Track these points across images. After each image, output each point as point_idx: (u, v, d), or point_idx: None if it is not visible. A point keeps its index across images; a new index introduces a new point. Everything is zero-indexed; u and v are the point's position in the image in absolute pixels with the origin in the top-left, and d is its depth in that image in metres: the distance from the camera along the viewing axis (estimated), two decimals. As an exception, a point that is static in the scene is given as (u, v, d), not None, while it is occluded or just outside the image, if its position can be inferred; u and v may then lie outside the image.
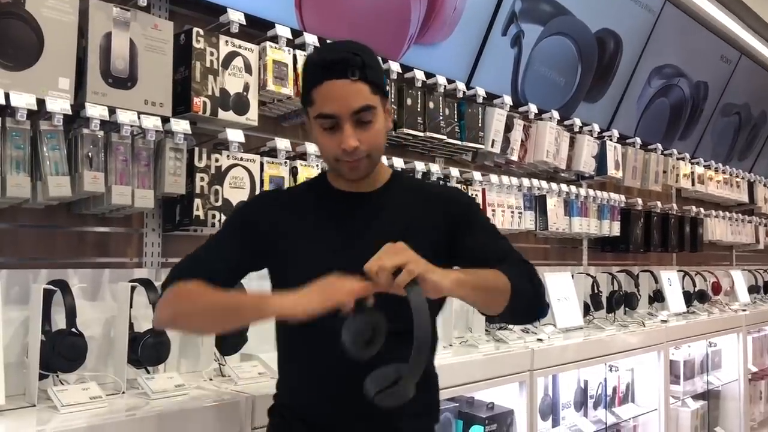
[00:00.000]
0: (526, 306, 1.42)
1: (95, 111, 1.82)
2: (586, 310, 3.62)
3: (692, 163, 4.98)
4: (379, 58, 1.44)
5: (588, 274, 3.74)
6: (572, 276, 3.54)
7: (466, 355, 2.59)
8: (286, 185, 2.28)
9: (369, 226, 1.45)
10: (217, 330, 1.46)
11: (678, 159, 4.77)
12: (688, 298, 4.49)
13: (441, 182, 2.82)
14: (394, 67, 2.66)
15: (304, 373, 1.49)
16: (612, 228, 3.99)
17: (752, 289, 5.46)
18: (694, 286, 4.63)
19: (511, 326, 3.03)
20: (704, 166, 5.13)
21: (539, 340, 2.97)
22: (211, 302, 1.37)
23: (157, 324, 1.50)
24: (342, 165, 1.41)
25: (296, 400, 1.52)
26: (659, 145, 4.56)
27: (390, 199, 1.51)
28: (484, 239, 1.49)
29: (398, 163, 2.67)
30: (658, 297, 4.27)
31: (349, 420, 1.43)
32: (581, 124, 3.78)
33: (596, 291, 3.70)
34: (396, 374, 1.18)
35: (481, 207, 1.61)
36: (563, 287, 3.42)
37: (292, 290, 1.26)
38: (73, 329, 1.76)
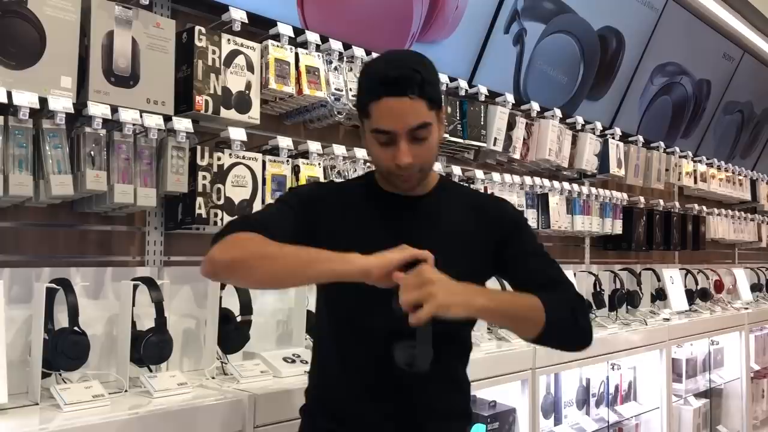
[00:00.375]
0: (563, 336, 1.42)
1: (97, 110, 1.82)
2: (589, 309, 3.61)
3: (695, 161, 4.98)
4: (437, 71, 1.43)
5: (590, 273, 3.74)
6: (574, 274, 3.54)
7: (469, 353, 2.59)
8: (288, 184, 2.28)
9: (415, 231, 1.44)
10: (279, 281, 1.38)
11: (680, 157, 4.77)
12: (691, 296, 4.49)
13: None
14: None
15: (341, 369, 1.50)
16: (614, 226, 3.98)
17: (754, 288, 5.45)
18: (697, 284, 4.62)
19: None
20: (706, 164, 5.13)
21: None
22: (281, 250, 1.30)
23: (207, 270, 1.33)
24: (394, 177, 1.43)
25: (329, 395, 1.53)
26: (662, 143, 4.56)
27: (437, 205, 1.50)
28: (529, 261, 1.49)
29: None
30: (660, 295, 4.27)
31: (380, 420, 1.44)
32: (583, 122, 3.78)
33: (598, 289, 3.69)
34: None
35: (528, 222, 1.59)
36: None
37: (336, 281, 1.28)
38: (76, 328, 1.76)
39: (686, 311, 4.31)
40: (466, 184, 2.92)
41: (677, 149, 4.74)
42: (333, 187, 1.67)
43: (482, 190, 3.07)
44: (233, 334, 2.09)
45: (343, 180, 2.43)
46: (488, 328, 2.97)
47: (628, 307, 3.90)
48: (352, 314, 1.45)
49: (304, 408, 1.59)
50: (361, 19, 2.68)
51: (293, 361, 2.15)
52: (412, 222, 1.48)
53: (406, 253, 1.24)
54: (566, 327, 1.40)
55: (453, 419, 1.53)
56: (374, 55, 2.56)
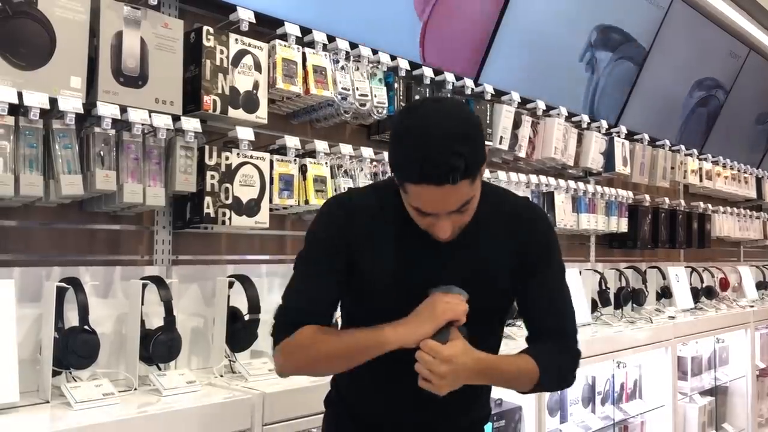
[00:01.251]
0: (548, 387, 1.58)
1: (107, 110, 1.83)
2: (594, 307, 3.62)
3: (700, 159, 4.97)
4: (480, 129, 1.32)
5: (595, 271, 3.74)
6: (580, 273, 3.55)
7: (475, 351, 2.59)
8: (296, 183, 2.29)
9: (455, 252, 1.40)
10: (342, 370, 1.45)
11: (686, 155, 4.76)
12: (696, 294, 4.48)
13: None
14: (403, 64, 2.66)
15: (367, 372, 1.46)
16: (620, 224, 3.98)
17: (760, 285, 5.44)
18: (702, 282, 4.62)
19: (518, 323, 3.03)
20: (712, 161, 5.12)
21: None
22: (333, 349, 1.37)
23: (281, 373, 1.44)
24: (430, 233, 1.36)
25: (350, 391, 1.55)
26: (667, 141, 4.55)
27: (477, 224, 1.40)
28: (544, 300, 1.49)
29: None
30: (665, 293, 4.27)
31: (398, 417, 1.47)
32: (589, 120, 3.78)
33: (604, 287, 3.69)
34: None
35: (558, 246, 1.54)
36: (571, 284, 3.40)
37: (389, 314, 1.34)
38: (86, 327, 1.78)
39: (692, 309, 4.31)
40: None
41: (682, 147, 4.74)
42: (358, 205, 1.46)
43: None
44: (241, 332, 2.10)
45: (350, 179, 2.44)
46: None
47: (634, 305, 3.91)
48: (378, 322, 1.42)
49: (328, 397, 1.61)
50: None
51: (301, 360, 2.16)
52: (451, 244, 1.39)
53: (436, 322, 1.31)
54: (553, 381, 1.52)
55: (474, 417, 1.55)
56: (381, 55, 2.57)
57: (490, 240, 1.44)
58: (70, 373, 1.78)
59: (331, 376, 1.60)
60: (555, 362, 1.47)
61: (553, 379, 1.48)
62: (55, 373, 1.76)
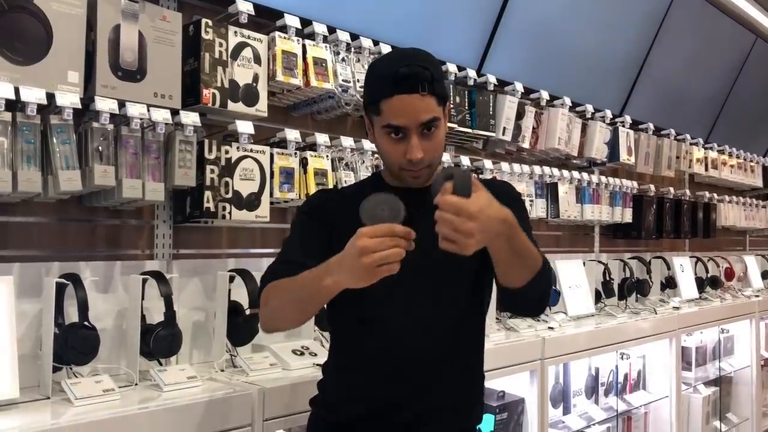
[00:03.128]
0: (540, 294, 1.43)
1: (105, 104, 1.81)
2: (598, 298, 3.60)
3: (705, 148, 4.93)
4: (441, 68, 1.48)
5: (599, 262, 3.73)
6: (584, 263, 3.53)
7: (477, 344, 2.59)
8: (296, 176, 2.28)
9: (423, 222, 1.43)
10: (303, 317, 1.46)
11: (691, 144, 4.73)
12: (701, 284, 4.47)
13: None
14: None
15: (348, 359, 1.54)
16: (624, 215, 3.96)
17: (765, 275, 5.41)
18: (707, 272, 4.60)
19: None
20: (717, 150, 5.08)
21: (550, 328, 2.97)
22: (286, 293, 1.40)
23: (263, 329, 1.52)
24: (405, 174, 1.46)
25: (337, 385, 1.56)
26: (672, 131, 4.52)
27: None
28: None
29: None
30: (670, 283, 4.25)
31: (388, 414, 1.46)
32: (593, 110, 3.75)
33: (608, 278, 3.68)
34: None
35: (526, 205, 1.59)
36: (575, 275, 3.41)
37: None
38: (86, 323, 1.77)
39: (696, 299, 4.30)
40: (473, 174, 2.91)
41: (688, 136, 4.70)
42: (337, 192, 1.74)
43: (489, 178, 3.06)
44: (242, 326, 2.09)
45: (351, 172, 2.43)
46: (497, 318, 2.97)
47: (638, 295, 3.89)
48: (358, 306, 1.47)
49: (314, 399, 1.61)
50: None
51: (302, 354, 2.16)
52: (419, 213, 1.47)
53: (370, 276, 1.22)
54: (545, 286, 1.42)
55: (463, 412, 1.54)
56: (382, 46, 2.56)
57: None
58: (71, 369, 1.78)
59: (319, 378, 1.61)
60: (547, 267, 1.42)
61: (543, 282, 1.40)
62: (55, 369, 1.76)
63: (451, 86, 2.86)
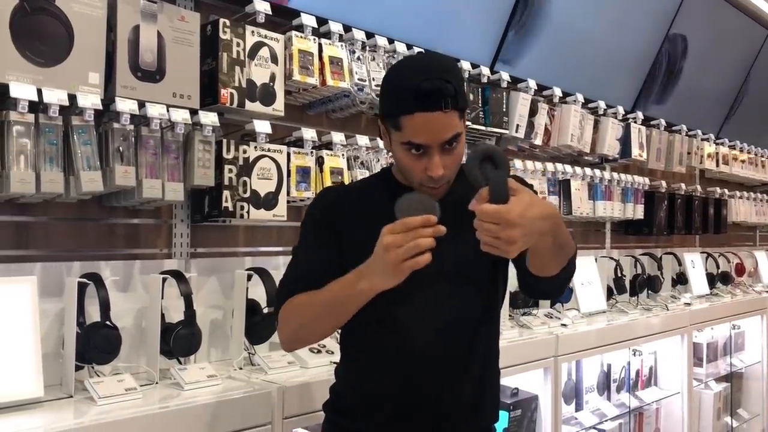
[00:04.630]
0: (569, 276, 1.43)
1: (125, 105, 1.82)
2: (609, 294, 3.61)
3: (716, 144, 4.92)
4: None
5: (611, 258, 3.73)
6: (595, 260, 3.54)
7: (491, 341, 2.60)
8: (313, 175, 2.29)
9: (441, 221, 1.44)
10: (334, 327, 1.46)
11: (702, 140, 4.71)
12: (712, 280, 4.47)
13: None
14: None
15: (365, 363, 1.52)
16: (636, 211, 3.96)
17: (776, 270, 5.40)
18: (718, 267, 4.60)
19: (534, 312, 3.04)
20: (728, 146, 5.07)
21: (563, 325, 2.98)
22: (312, 310, 1.39)
23: (285, 348, 1.52)
24: (424, 189, 1.41)
25: (352, 389, 1.54)
26: (684, 126, 4.50)
27: (454, 194, 1.46)
28: None
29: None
30: (681, 279, 4.25)
31: (407, 416, 1.45)
32: (605, 107, 3.74)
33: (619, 275, 3.69)
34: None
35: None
36: (587, 271, 3.42)
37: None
38: (107, 322, 1.79)
39: (707, 295, 4.30)
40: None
41: (699, 132, 4.69)
42: (345, 189, 1.70)
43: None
44: (260, 325, 2.10)
45: (366, 171, 2.44)
46: (510, 316, 2.98)
47: (649, 291, 3.90)
48: (374, 308, 1.46)
49: (327, 403, 1.61)
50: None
51: (319, 352, 2.17)
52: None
53: (398, 275, 1.22)
54: (572, 273, 1.44)
55: (481, 412, 1.53)
56: (397, 45, 2.56)
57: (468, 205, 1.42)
58: (93, 368, 1.80)
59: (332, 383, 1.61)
60: (575, 255, 1.42)
61: (573, 265, 1.41)
62: (77, 368, 1.77)
63: (465, 83, 2.85)
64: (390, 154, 2.48)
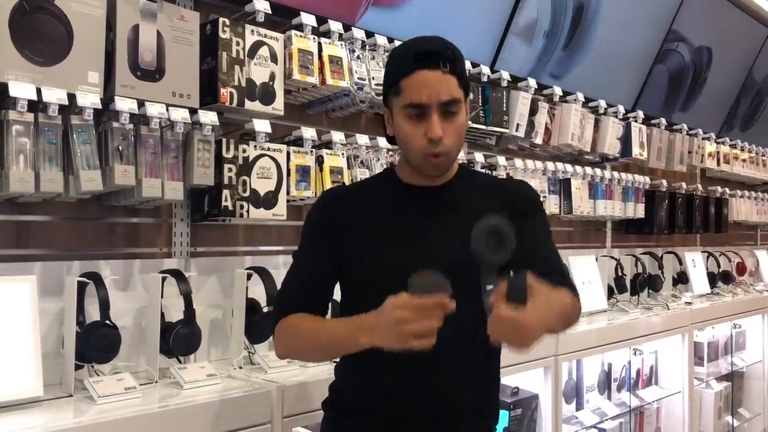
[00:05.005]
0: (571, 326, 1.47)
1: (124, 104, 1.82)
2: (610, 293, 3.61)
3: (717, 143, 4.91)
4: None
5: (612, 257, 3.73)
6: (596, 259, 3.53)
7: (491, 341, 2.59)
8: (313, 174, 2.29)
9: (434, 220, 1.45)
10: (330, 359, 1.54)
11: (703, 139, 4.71)
12: (713, 279, 4.46)
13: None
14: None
15: (365, 362, 1.48)
16: (636, 210, 3.96)
17: (777, 269, 5.39)
18: (719, 267, 4.59)
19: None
20: (729, 145, 5.06)
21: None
22: (311, 341, 1.44)
23: (279, 357, 1.56)
24: (426, 161, 1.42)
25: (352, 389, 1.54)
26: (684, 125, 4.50)
27: (457, 193, 1.49)
28: (539, 246, 1.47)
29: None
30: (682, 279, 4.25)
31: (407, 416, 1.45)
32: (606, 106, 3.74)
33: (620, 274, 3.68)
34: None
35: (544, 207, 1.58)
36: (587, 270, 3.41)
37: (367, 304, 1.30)
38: (107, 321, 1.79)
39: (708, 294, 4.29)
40: (487, 171, 2.92)
41: (700, 131, 4.68)
42: (346, 190, 1.68)
43: (505, 177, 3.06)
44: (260, 324, 2.10)
45: (366, 170, 2.44)
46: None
47: (650, 291, 3.89)
48: (376, 306, 1.46)
49: (327, 402, 1.60)
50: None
51: (319, 351, 2.17)
52: (431, 212, 1.47)
53: (398, 342, 1.22)
54: (575, 320, 1.45)
55: (481, 415, 1.52)
56: (396, 44, 2.55)
57: (472, 207, 1.42)
58: (93, 367, 1.80)
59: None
60: (575, 295, 1.44)
61: (577, 311, 1.44)
62: (77, 367, 1.78)
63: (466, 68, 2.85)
64: (390, 152, 2.50)
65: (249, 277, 2.12)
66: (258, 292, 2.13)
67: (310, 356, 1.50)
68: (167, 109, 1.91)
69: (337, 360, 1.61)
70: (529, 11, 3.25)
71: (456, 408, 1.46)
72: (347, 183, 2.34)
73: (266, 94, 2.16)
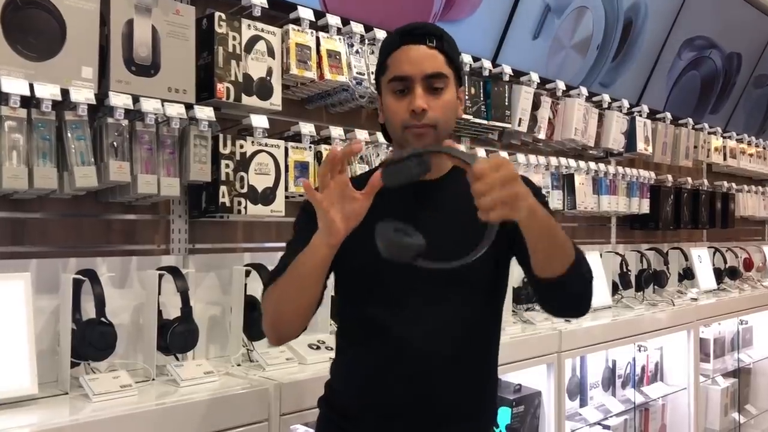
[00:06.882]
0: (581, 286, 1.35)
1: (119, 100, 1.81)
2: (615, 290, 3.58)
3: (724, 137, 4.87)
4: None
5: (616, 253, 3.69)
6: (600, 255, 3.50)
7: (494, 337, 2.57)
8: (311, 170, 2.27)
9: (427, 218, 1.39)
10: (302, 301, 1.37)
11: (709, 133, 4.66)
12: (719, 274, 4.42)
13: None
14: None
15: (358, 362, 1.48)
16: (641, 205, 3.92)
17: (785, 265, 5.35)
18: (725, 262, 4.55)
19: (537, 307, 3.01)
20: (736, 139, 5.01)
21: (567, 321, 2.95)
22: (282, 280, 1.36)
23: (272, 341, 1.51)
24: (408, 134, 1.38)
25: (347, 387, 1.51)
26: (690, 120, 4.46)
27: (451, 189, 1.44)
28: None
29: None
30: (688, 274, 4.21)
31: (403, 415, 1.42)
32: (610, 100, 3.70)
33: (625, 270, 3.65)
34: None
35: (543, 194, 1.52)
36: (592, 266, 3.37)
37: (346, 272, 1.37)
38: (103, 319, 1.77)
39: (714, 290, 4.25)
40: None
41: (706, 125, 4.64)
42: None
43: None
44: (258, 321, 2.05)
45: (366, 165, 2.42)
46: (513, 311, 2.95)
47: (655, 287, 3.86)
48: (370, 306, 1.44)
49: (322, 399, 1.58)
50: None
51: (318, 348, 2.15)
52: (421, 204, 1.44)
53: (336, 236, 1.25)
54: (585, 277, 1.34)
55: (475, 417, 1.48)
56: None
57: (461, 205, 1.30)
58: (89, 364, 1.79)
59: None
60: (584, 258, 1.34)
61: (583, 273, 1.33)
62: (73, 365, 1.77)
63: (466, 77, 2.84)
64: (390, 148, 2.47)
65: (247, 273, 2.10)
66: (256, 288, 2.10)
67: (287, 301, 1.36)
68: (162, 105, 1.89)
69: (333, 357, 1.59)
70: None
71: (452, 408, 1.43)
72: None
73: (263, 90, 2.14)
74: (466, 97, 2.83)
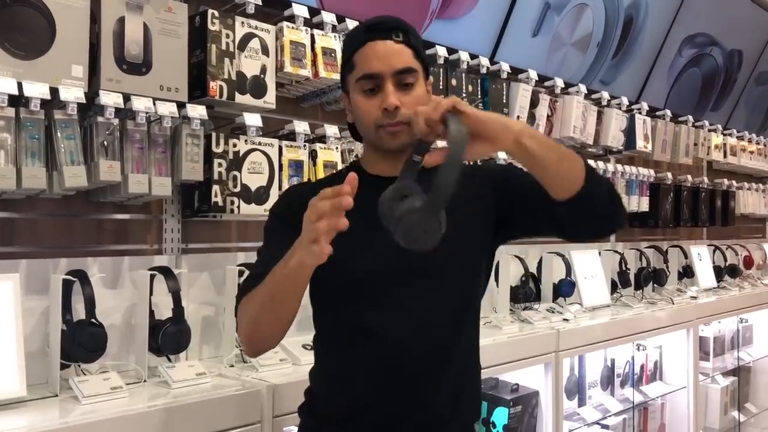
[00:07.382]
0: (600, 203, 1.28)
1: (109, 99, 1.79)
2: (614, 288, 3.56)
3: (724, 135, 4.84)
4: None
5: (615, 251, 3.67)
6: (599, 253, 3.48)
7: (491, 336, 2.55)
8: (306, 169, 2.25)
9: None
10: (281, 315, 1.31)
11: (709, 131, 4.64)
12: (719, 273, 4.40)
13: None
14: (415, 43, 2.59)
15: (341, 368, 1.45)
16: (641, 203, 3.90)
17: (785, 263, 5.32)
18: (725, 260, 4.53)
19: (535, 306, 2.99)
20: (737, 137, 4.99)
21: (565, 320, 2.93)
22: (258, 295, 1.29)
23: (247, 352, 1.44)
24: (382, 133, 1.34)
25: (329, 394, 1.48)
26: (690, 117, 4.43)
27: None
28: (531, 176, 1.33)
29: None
30: (687, 273, 4.19)
31: (385, 418, 1.39)
32: (609, 98, 3.67)
33: (624, 268, 3.63)
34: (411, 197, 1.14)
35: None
36: (590, 265, 3.36)
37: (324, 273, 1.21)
38: (93, 320, 1.75)
39: (714, 288, 4.23)
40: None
41: (706, 123, 4.61)
42: (311, 186, 1.56)
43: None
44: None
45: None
46: (511, 310, 2.93)
47: (655, 285, 3.84)
48: (351, 308, 1.40)
49: (302, 407, 1.54)
50: (378, -3, 2.61)
51: (312, 349, 2.13)
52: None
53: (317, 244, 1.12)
54: (604, 193, 1.29)
55: (460, 414, 1.45)
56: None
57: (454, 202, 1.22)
58: (79, 366, 1.77)
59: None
60: (592, 167, 1.29)
61: (600, 182, 1.28)
62: (63, 366, 1.75)
63: (463, 75, 2.81)
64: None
65: (241, 273, 2.08)
66: (250, 289, 2.09)
67: (264, 318, 1.30)
68: (154, 104, 1.87)
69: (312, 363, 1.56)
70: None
71: (434, 407, 1.39)
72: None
73: (257, 88, 2.12)
74: (464, 94, 2.81)
